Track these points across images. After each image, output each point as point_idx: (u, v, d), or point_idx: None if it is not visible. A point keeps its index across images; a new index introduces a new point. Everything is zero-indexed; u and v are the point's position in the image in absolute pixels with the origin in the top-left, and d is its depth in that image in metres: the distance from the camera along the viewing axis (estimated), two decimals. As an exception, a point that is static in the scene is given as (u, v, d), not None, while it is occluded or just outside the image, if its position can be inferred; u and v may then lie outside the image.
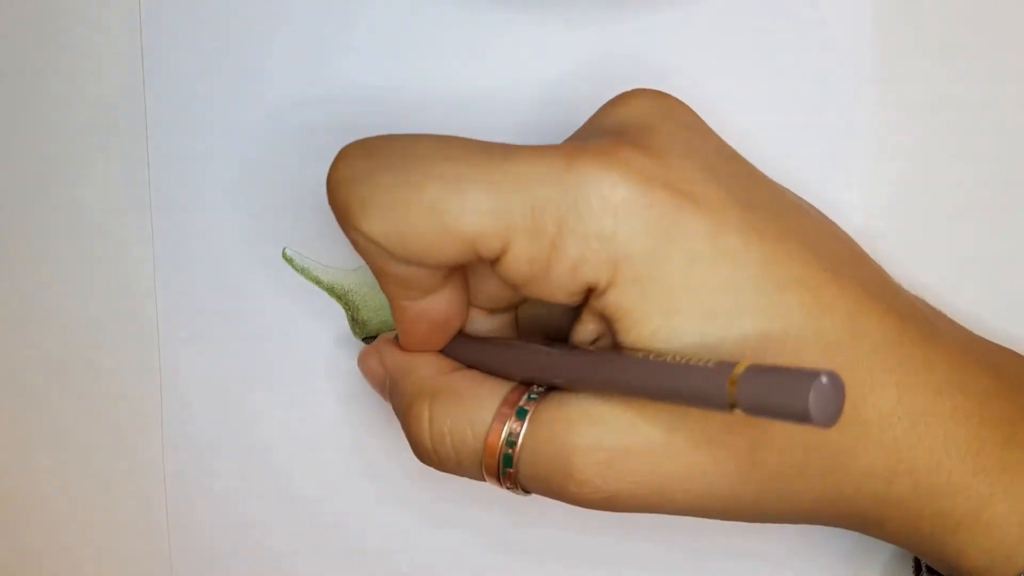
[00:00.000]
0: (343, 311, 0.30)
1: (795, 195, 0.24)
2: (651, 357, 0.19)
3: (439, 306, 0.23)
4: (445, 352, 0.25)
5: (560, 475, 0.21)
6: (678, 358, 0.19)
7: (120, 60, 0.30)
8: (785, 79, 0.29)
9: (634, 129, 0.21)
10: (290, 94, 0.30)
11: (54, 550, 0.32)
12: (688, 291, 0.20)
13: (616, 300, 0.20)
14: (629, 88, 0.23)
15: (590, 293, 0.21)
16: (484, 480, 0.23)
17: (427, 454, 0.23)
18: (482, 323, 0.25)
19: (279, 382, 0.30)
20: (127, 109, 0.30)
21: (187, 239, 0.30)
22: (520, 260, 0.20)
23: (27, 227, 0.31)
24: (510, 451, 0.21)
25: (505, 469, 0.22)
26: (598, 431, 0.20)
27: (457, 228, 0.20)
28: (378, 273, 0.22)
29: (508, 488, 0.23)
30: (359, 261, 0.30)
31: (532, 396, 0.22)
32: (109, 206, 0.31)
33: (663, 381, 0.19)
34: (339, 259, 0.30)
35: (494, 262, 0.21)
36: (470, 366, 0.24)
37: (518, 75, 0.29)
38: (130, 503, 0.31)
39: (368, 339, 0.29)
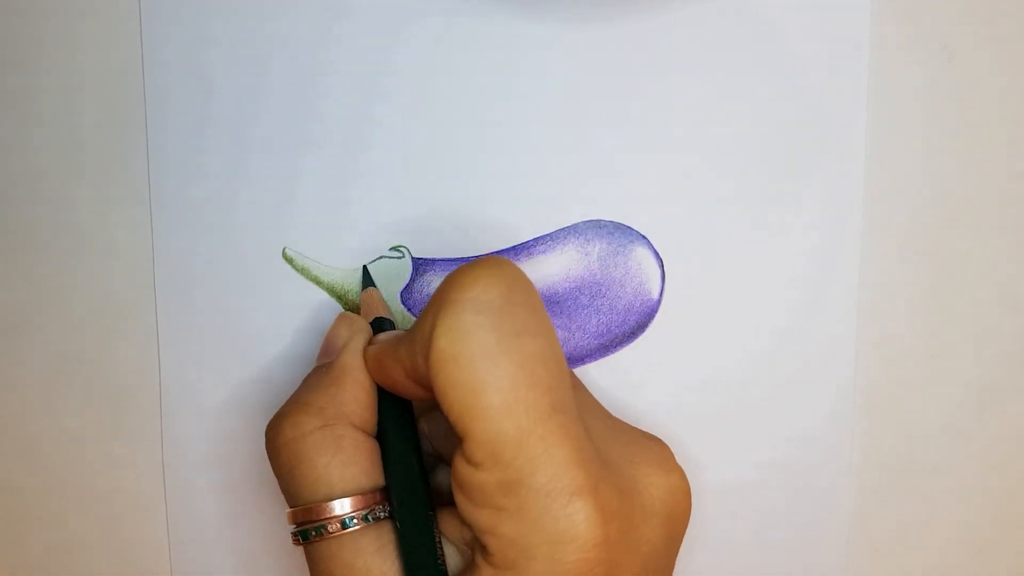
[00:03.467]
0: (343, 311, 0.30)
1: None
2: None
3: (413, 390, 0.24)
4: (383, 394, 0.25)
5: None
6: None
7: (120, 60, 0.30)
8: (785, 79, 0.29)
9: (644, 508, 0.22)
10: (290, 94, 0.30)
11: (54, 549, 0.32)
12: None
13: (484, 573, 0.21)
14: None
15: (476, 536, 0.22)
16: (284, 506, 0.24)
17: (272, 443, 0.24)
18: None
19: (279, 382, 0.30)
20: (127, 108, 0.30)
21: (187, 239, 0.30)
22: (475, 480, 0.21)
23: (27, 227, 0.31)
24: (312, 534, 0.23)
25: (297, 534, 0.23)
26: None
27: (472, 420, 0.20)
28: (409, 344, 0.22)
29: (292, 538, 0.24)
30: (359, 261, 0.30)
31: (369, 517, 0.23)
32: (109, 206, 0.31)
33: None
34: (339, 259, 0.30)
35: (459, 450, 0.21)
36: (381, 418, 0.25)
37: (518, 75, 0.29)
38: (130, 502, 0.31)
39: (364, 274, 0.30)
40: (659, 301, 0.30)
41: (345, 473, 0.23)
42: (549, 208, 0.29)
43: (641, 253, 0.29)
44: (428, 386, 0.22)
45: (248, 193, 0.30)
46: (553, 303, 0.30)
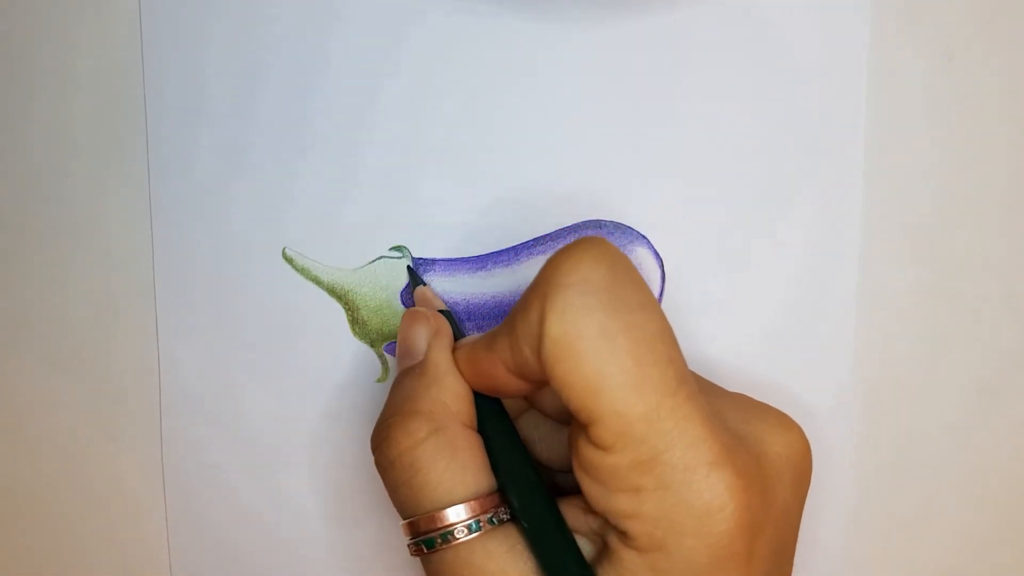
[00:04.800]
0: (343, 311, 0.30)
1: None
2: None
3: (514, 386, 0.23)
4: (476, 396, 0.25)
5: None
6: None
7: (120, 60, 0.30)
8: (784, 79, 0.29)
9: (774, 468, 0.22)
10: (290, 94, 0.30)
11: (54, 548, 0.32)
12: None
13: (627, 560, 0.21)
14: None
15: (615, 526, 0.21)
16: (400, 515, 0.23)
17: (384, 456, 0.23)
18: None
19: (279, 381, 0.30)
20: (127, 109, 0.30)
21: (186, 239, 0.30)
22: (606, 465, 0.20)
23: (27, 227, 0.31)
24: (438, 542, 0.22)
25: (421, 544, 0.22)
26: None
27: (600, 404, 0.20)
28: (511, 336, 0.22)
29: (410, 549, 0.23)
30: (359, 261, 0.30)
31: (494, 520, 0.22)
32: (109, 206, 0.31)
33: None
34: (339, 259, 0.30)
35: (585, 436, 0.21)
36: (480, 424, 0.24)
37: (519, 75, 0.29)
38: (129, 502, 0.31)
39: (411, 275, 0.29)
40: (659, 301, 0.30)
41: (465, 477, 0.22)
42: (549, 208, 0.29)
43: (641, 253, 0.29)
44: (535, 379, 0.22)
45: (248, 193, 0.30)
46: (553, 303, 0.30)
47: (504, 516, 0.22)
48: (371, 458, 0.30)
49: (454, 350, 0.24)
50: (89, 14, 0.30)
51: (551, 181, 0.29)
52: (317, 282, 0.30)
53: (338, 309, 0.30)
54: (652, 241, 0.29)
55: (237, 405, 0.31)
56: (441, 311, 0.26)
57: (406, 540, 0.23)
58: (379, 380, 0.30)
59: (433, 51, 0.29)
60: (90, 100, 0.30)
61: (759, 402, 0.24)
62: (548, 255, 0.30)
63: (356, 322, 0.30)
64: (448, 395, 0.24)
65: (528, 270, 0.29)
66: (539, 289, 0.21)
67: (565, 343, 0.20)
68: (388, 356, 0.30)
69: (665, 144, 0.29)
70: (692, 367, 0.30)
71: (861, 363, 0.30)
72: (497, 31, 0.29)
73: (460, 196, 0.29)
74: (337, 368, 0.30)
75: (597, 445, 0.20)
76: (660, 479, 0.20)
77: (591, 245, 0.21)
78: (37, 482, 0.32)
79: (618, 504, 0.21)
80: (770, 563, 0.21)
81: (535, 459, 0.25)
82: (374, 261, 0.30)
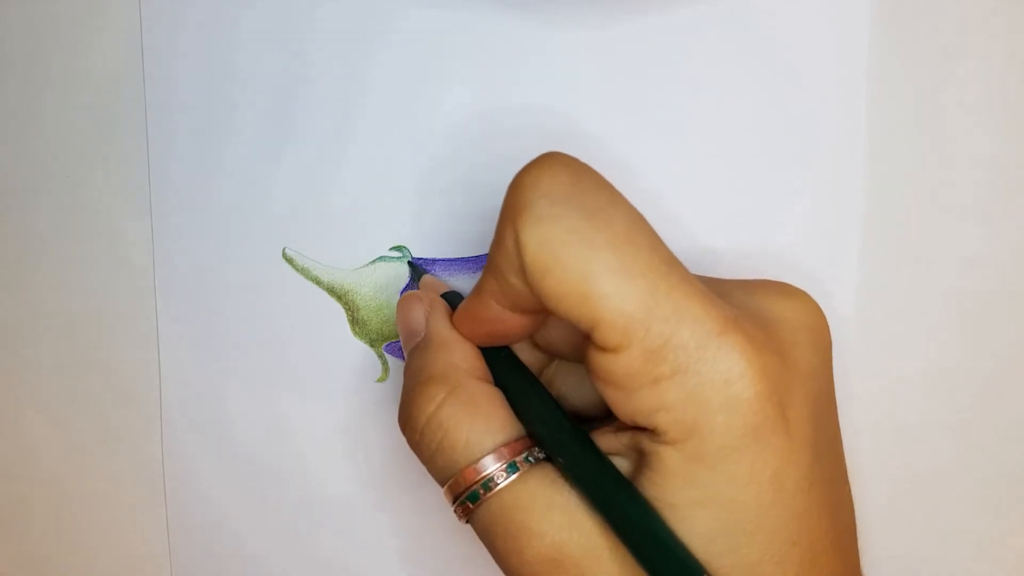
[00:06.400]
0: (343, 311, 0.30)
1: (844, 459, 0.24)
2: (653, 516, 0.20)
3: (514, 323, 0.23)
4: (484, 352, 0.25)
5: (509, 546, 0.22)
6: (670, 536, 0.20)
7: (120, 60, 0.30)
8: (785, 79, 0.29)
9: (786, 333, 0.22)
10: (290, 94, 0.30)
11: (54, 548, 0.32)
12: (724, 495, 0.20)
13: (666, 457, 0.20)
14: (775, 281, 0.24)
15: (645, 428, 0.21)
16: (440, 485, 0.23)
17: (412, 429, 0.23)
18: (521, 349, 0.26)
19: (279, 381, 0.30)
20: (127, 109, 0.30)
21: (187, 239, 0.30)
22: (619, 366, 0.20)
23: (27, 227, 0.31)
24: (481, 492, 0.22)
25: (465, 501, 0.22)
26: (563, 532, 0.21)
27: (595, 305, 0.20)
28: (494, 271, 0.22)
29: (456, 512, 0.23)
30: (359, 261, 0.30)
31: (530, 459, 0.22)
32: (109, 206, 0.31)
33: (644, 543, 0.20)
34: (339, 259, 0.30)
35: (593, 346, 0.21)
36: (495, 377, 0.24)
37: (519, 75, 0.29)
38: (130, 502, 0.31)
39: (412, 268, 0.29)
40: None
41: (491, 426, 0.22)
42: (549, 208, 0.29)
43: (641, 253, 0.29)
44: (530, 307, 0.22)
45: (248, 193, 0.30)
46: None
47: (539, 455, 0.22)
48: (371, 457, 0.31)
49: (452, 317, 0.25)
50: (90, 15, 0.30)
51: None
52: (317, 282, 0.30)
53: (338, 309, 0.30)
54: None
55: (237, 405, 0.31)
56: (450, 291, 0.27)
57: (451, 507, 0.23)
58: (379, 380, 0.30)
59: (433, 52, 0.29)
60: (91, 101, 0.30)
61: (763, 279, 0.24)
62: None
63: (356, 322, 0.30)
64: (456, 356, 0.24)
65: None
66: (507, 214, 0.21)
67: (545, 256, 0.20)
68: (388, 356, 0.30)
69: (664, 144, 0.29)
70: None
71: (861, 363, 0.30)
72: (499, 31, 0.29)
73: (460, 196, 0.29)
74: (337, 368, 0.30)
75: (605, 349, 0.20)
76: (674, 363, 0.20)
77: (546, 158, 0.21)
78: (38, 483, 0.32)
79: (642, 402, 0.20)
80: (811, 429, 0.21)
81: (570, 412, 0.25)
82: (374, 261, 0.30)
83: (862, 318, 0.29)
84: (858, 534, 0.30)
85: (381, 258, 0.30)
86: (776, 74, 0.29)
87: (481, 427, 0.22)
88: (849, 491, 0.24)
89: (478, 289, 0.23)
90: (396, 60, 0.29)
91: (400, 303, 0.26)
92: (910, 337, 0.30)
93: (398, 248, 0.30)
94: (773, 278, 0.29)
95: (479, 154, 0.29)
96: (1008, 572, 0.30)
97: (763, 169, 0.29)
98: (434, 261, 0.30)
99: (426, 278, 0.28)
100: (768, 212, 0.29)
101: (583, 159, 0.29)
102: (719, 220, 0.29)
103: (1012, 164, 0.29)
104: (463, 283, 0.30)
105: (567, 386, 0.25)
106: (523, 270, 0.20)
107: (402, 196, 0.30)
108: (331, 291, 0.30)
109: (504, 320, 0.23)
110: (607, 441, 0.22)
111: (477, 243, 0.30)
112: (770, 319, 0.22)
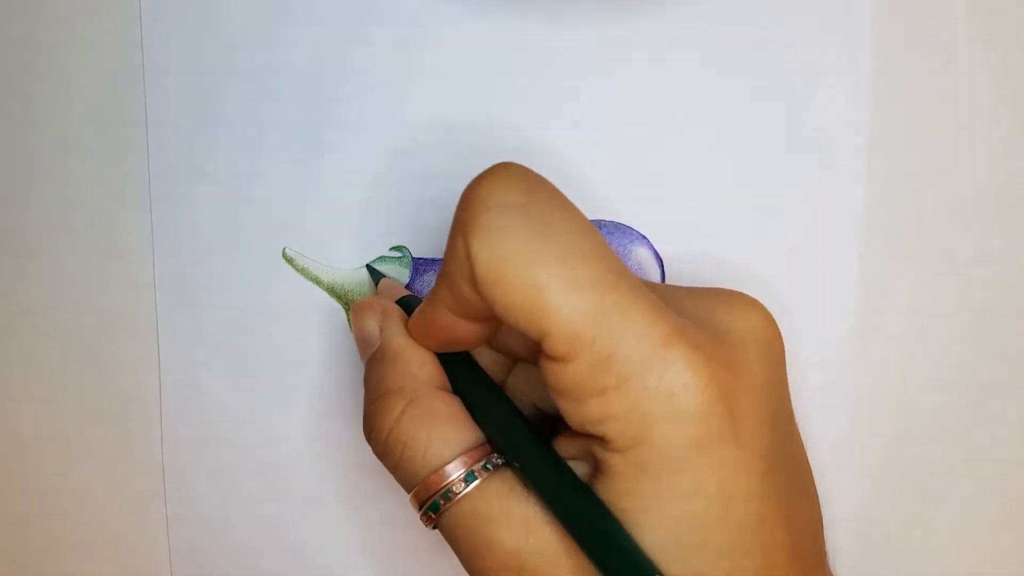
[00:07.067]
0: (343, 311, 0.30)
1: (809, 470, 0.24)
2: (608, 519, 0.21)
3: (469, 330, 0.23)
4: (441, 358, 0.25)
5: (471, 552, 0.22)
6: (625, 538, 0.20)
7: (120, 59, 0.30)
8: (785, 79, 0.29)
9: (737, 343, 0.22)
10: (290, 94, 0.30)
11: (56, 548, 0.32)
12: (671, 506, 0.20)
13: (614, 465, 0.21)
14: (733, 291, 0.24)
15: (595, 435, 0.21)
16: (406, 493, 0.23)
17: (376, 442, 0.24)
18: (481, 352, 0.26)
19: (279, 381, 0.30)
20: (127, 108, 0.30)
21: (187, 239, 0.30)
22: (568, 376, 0.20)
23: (27, 226, 0.31)
24: (441, 502, 0.22)
25: (428, 511, 0.22)
26: (520, 540, 0.21)
27: (544, 316, 0.20)
28: (446, 279, 0.22)
29: (422, 520, 0.23)
30: (359, 261, 0.30)
31: (488, 466, 0.22)
32: (109, 205, 0.31)
33: (599, 546, 0.20)
34: (339, 259, 0.30)
35: (544, 355, 0.21)
36: (453, 383, 0.24)
37: (519, 75, 0.29)
38: (130, 502, 0.31)
39: (371, 272, 0.29)
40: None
41: (449, 435, 0.23)
42: (549, 208, 0.29)
43: (641, 253, 0.29)
44: (483, 315, 0.22)
45: (248, 193, 0.30)
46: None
47: (497, 461, 0.22)
48: (371, 457, 0.31)
49: (406, 324, 0.25)
50: (90, 14, 0.30)
51: (551, 181, 0.29)
52: (317, 282, 0.30)
53: (338, 309, 0.30)
54: (652, 241, 0.29)
55: (237, 405, 0.31)
56: (406, 297, 0.27)
57: (417, 515, 0.23)
58: (379, 380, 0.30)
59: (435, 53, 0.29)
60: (91, 100, 0.30)
61: (716, 288, 0.24)
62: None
63: (356, 322, 0.30)
64: (413, 366, 0.24)
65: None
66: (459, 224, 0.21)
67: (494, 266, 0.20)
68: (388, 356, 0.30)
69: (665, 144, 0.29)
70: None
71: (861, 363, 0.30)
72: (500, 31, 0.29)
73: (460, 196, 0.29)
74: (337, 368, 0.30)
75: (555, 358, 0.20)
76: (620, 374, 0.20)
77: (498, 169, 0.21)
78: (38, 482, 0.32)
79: (590, 411, 0.20)
80: (763, 440, 0.21)
81: (534, 413, 0.26)
82: (374, 261, 0.30)
83: (862, 318, 0.29)
84: (857, 534, 0.30)
85: (381, 258, 0.30)
86: (776, 74, 0.29)
87: (439, 437, 0.23)
88: (815, 502, 0.23)
89: (431, 297, 0.23)
90: (396, 60, 0.29)
91: (353, 312, 0.26)
92: (910, 337, 0.30)
93: (398, 248, 0.30)
94: (769, 285, 0.29)
95: (481, 155, 0.29)
96: (1008, 571, 0.30)
97: (763, 169, 0.29)
98: (434, 261, 0.30)
99: (383, 282, 0.28)
100: (768, 212, 0.29)
101: (589, 160, 0.29)
102: (719, 220, 0.29)
103: (1012, 164, 0.29)
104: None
105: (529, 388, 0.26)
106: (474, 280, 0.20)
107: (403, 196, 0.30)
108: (331, 291, 0.30)
109: (458, 327, 0.23)
110: (565, 446, 0.22)
111: (477, 243, 0.30)
112: (721, 330, 0.22)
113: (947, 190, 0.29)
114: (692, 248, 0.29)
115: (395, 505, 0.31)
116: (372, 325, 0.25)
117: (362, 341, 0.26)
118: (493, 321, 0.23)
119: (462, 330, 0.23)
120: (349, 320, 0.30)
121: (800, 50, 0.29)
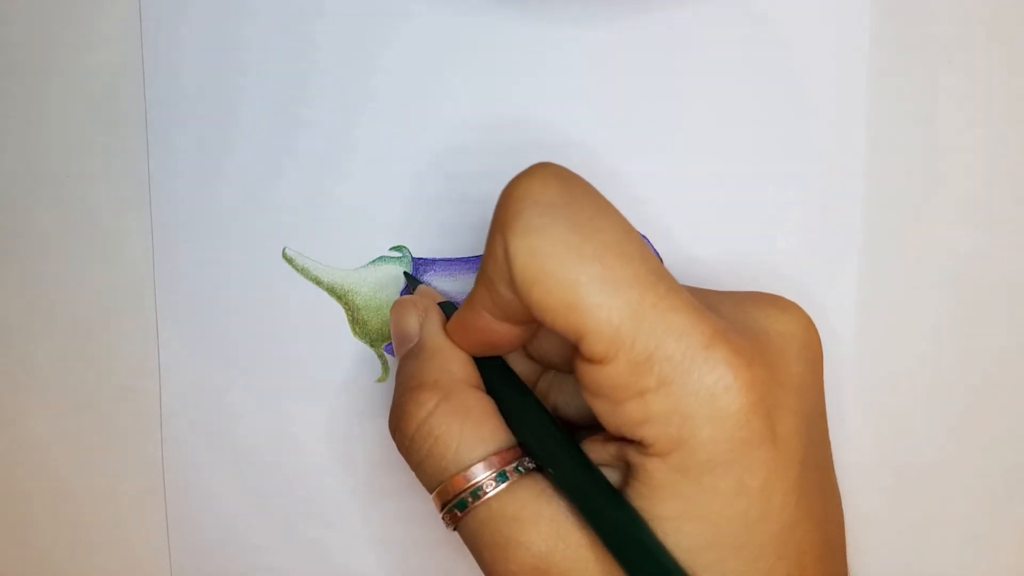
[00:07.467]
0: (343, 311, 0.30)
1: (834, 470, 0.24)
2: (641, 527, 0.20)
3: (506, 333, 0.23)
4: (477, 362, 0.25)
5: (496, 555, 0.22)
6: (658, 547, 0.20)
7: (120, 56, 0.30)
8: (785, 79, 0.29)
9: (776, 345, 0.22)
10: (290, 94, 0.30)
11: (54, 548, 0.32)
12: (711, 509, 0.20)
13: (652, 470, 0.20)
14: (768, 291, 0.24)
15: (632, 440, 0.21)
16: (428, 491, 0.23)
17: (403, 434, 0.23)
18: (515, 359, 0.26)
19: (279, 382, 0.30)
20: (127, 108, 0.30)
21: (187, 239, 0.30)
22: (606, 378, 0.20)
23: (27, 226, 0.31)
24: (469, 500, 0.22)
25: (453, 509, 0.22)
26: (549, 543, 0.21)
27: (582, 316, 0.20)
28: (485, 281, 0.22)
29: (443, 519, 0.23)
30: (359, 261, 0.30)
31: (520, 469, 0.22)
32: (109, 205, 0.31)
33: (631, 555, 0.20)
34: (339, 259, 0.30)
35: (581, 357, 0.21)
36: (487, 386, 0.24)
37: (520, 75, 0.29)
38: (130, 501, 0.31)
39: (409, 279, 0.29)
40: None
41: (483, 434, 0.22)
42: (549, 208, 0.29)
43: (641, 253, 0.29)
44: (521, 317, 0.22)
45: (248, 193, 0.30)
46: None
47: (529, 465, 0.22)
48: (370, 457, 0.31)
49: (445, 326, 0.25)
50: (90, 14, 0.30)
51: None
52: (317, 282, 0.30)
53: (338, 309, 0.30)
54: (652, 241, 0.29)
55: (237, 405, 0.31)
56: (446, 301, 0.27)
57: (439, 514, 0.23)
58: (379, 380, 0.30)
59: (434, 52, 0.29)
60: (90, 100, 0.30)
61: (753, 291, 0.24)
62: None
63: (356, 322, 0.30)
64: (450, 364, 0.24)
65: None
66: (497, 224, 0.21)
67: (533, 266, 0.20)
68: (388, 356, 0.30)
69: (665, 144, 0.29)
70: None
71: (861, 363, 0.30)
72: (500, 31, 0.29)
73: (460, 196, 0.29)
74: (337, 368, 0.30)
75: (592, 360, 0.20)
76: (660, 376, 0.20)
77: (536, 169, 0.21)
78: (38, 482, 0.32)
79: (628, 414, 0.20)
80: (799, 442, 0.21)
81: (563, 422, 0.25)
82: (374, 261, 0.30)
83: (862, 318, 0.29)
84: (857, 533, 0.30)
85: (381, 258, 0.30)
86: (777, 74, 0.29)
87: (472, 435, 0.22)
88: (839, 503, 0.24)
89: (470, 299, 0.23)
90: (397, 60, 0.29)
91: (394, 307, 0.26)
92: (910, 336, 0.30)
93: (398, 248, 0.30)
94: (769, 285, 0.29)
95: (480, 154, 0.29)
96: (1006, 570, 0.30)
97: (763, 170, 0.29)
98: (434, 261, 0.30)
99: (421, 288, 0.28)
100: (768, 212, 0.29)
101: (589, 160, 0.29)
102: (719, 219, 0.29)
103: (1012, 164, 0.29)
104: (464, 283, 0.30)
105: (561, 396, 0.25)
106: (512, 281, 0.20)
107: (402, 196, 0.30)
108: (331, 291, 0.30)
109: (496, 330, 0.23)
110: (597, 451, 0.22)
111: (477, 243, 0.30)
112: (760, 332, 0.21)
113: (946, 190, 0.29)
114: (692, 248, 0.29)
115: (396, 504, 0.31)
116: (412, 321, 0.25)
117: (400, 336, 0.25)
118: (532, 324, 0.22)
119: (500, 333, 0.23)
120: (349, 320, 0.30)
121: (800, 50, 0.29)
